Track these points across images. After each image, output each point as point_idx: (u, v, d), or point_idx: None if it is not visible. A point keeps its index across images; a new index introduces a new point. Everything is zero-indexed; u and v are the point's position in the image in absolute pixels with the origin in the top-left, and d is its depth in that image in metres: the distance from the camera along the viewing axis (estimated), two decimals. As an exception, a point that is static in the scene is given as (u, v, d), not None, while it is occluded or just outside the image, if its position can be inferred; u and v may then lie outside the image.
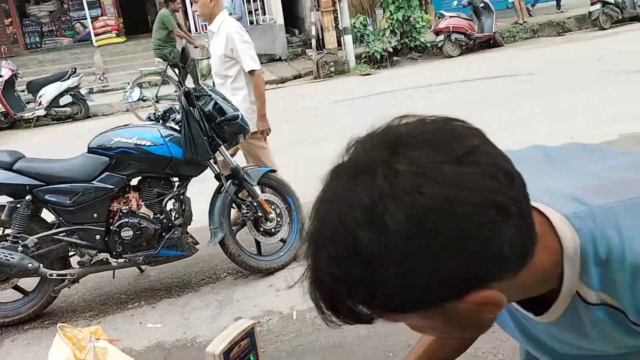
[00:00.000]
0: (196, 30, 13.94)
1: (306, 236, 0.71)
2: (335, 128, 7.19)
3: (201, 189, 4.09)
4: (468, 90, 9.15)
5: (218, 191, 3.80)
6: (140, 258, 3.64)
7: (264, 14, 14.80)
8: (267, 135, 4.39)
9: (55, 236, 3.54)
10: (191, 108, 3.56)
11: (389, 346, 2.97)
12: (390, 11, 12.41)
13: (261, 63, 4.70)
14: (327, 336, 3.15)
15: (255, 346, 1.56)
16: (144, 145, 3.53)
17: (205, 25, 8.06)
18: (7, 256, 3.36)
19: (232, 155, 4.09)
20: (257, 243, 3.98)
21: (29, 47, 16.60)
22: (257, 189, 3.88)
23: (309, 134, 7.51)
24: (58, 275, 3.54)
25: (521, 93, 8.37)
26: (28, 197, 3.43)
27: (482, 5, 12.60)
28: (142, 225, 3.55)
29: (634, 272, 0.73)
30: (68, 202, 3.48)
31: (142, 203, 3.63)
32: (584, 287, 0.78)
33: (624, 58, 9.36)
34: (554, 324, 0.86)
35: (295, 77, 12.71)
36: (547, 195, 0.78)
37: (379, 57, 12.46)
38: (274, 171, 4.06)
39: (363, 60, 12.58)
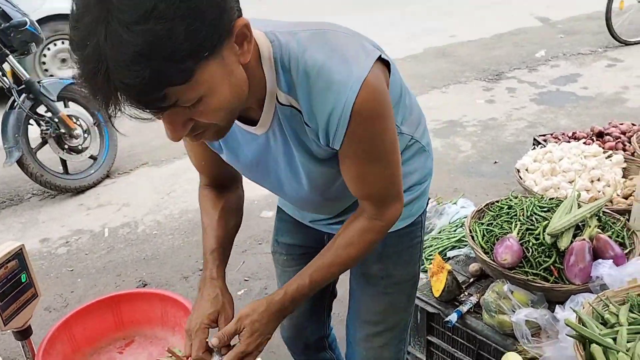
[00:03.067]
0: None
1: (83, 40, 0.75)
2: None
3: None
4: (297, 2, 9.14)
5: (11, 107, 3.45)
6: None
7: None
8: None
9: None
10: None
11: (201, 254, 3.08)
12: None
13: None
14: (140, 250, 3.16)
15: (26, 266, 1.53)
16: None
17: None
18: None
19: None
20: (63, 161, 3.75)
21: None
22: (57, 103, 3.59)
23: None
24: None
25: (350, 4, 8.59)
26: None
27: None
28: None
29: (305, 76, 0.94)
30: None
31: None
32: (278, 91, 0.98)
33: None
34: (270, 139, 1.06)
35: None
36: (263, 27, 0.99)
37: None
38: (78, 83, 3.76)
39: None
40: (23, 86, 3.45)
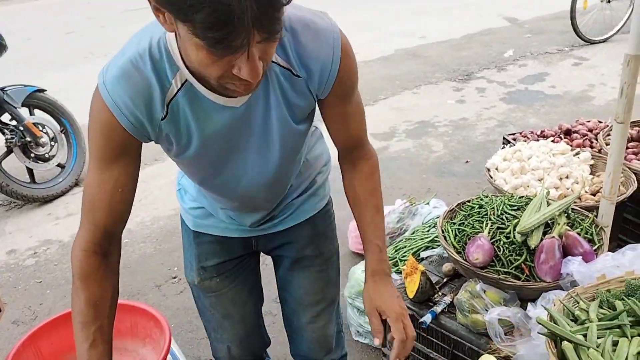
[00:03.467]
0: None
1: None
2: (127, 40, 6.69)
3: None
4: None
5: (-28, 115, 3.36)
6: None
7: None
8: None
9: None
10: None
11: (174, 261, 3.04)
12: None
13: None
14: (111, 259, 3.09)
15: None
16: None
17: None
18: None
19: None
20: (30, 170, 3.66)
21: None
22: (22, 111, 3.51)
23: (97, 47, 6.90)
24: None
25: (320, 7, 8.59)
26: None
27: None
28: None
29: (292, 31, 1.03)
30: None
31: None
32: None
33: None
34: (251, 106, 1.08)
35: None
36: None
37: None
38: (43, 90, 3.68)
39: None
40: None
